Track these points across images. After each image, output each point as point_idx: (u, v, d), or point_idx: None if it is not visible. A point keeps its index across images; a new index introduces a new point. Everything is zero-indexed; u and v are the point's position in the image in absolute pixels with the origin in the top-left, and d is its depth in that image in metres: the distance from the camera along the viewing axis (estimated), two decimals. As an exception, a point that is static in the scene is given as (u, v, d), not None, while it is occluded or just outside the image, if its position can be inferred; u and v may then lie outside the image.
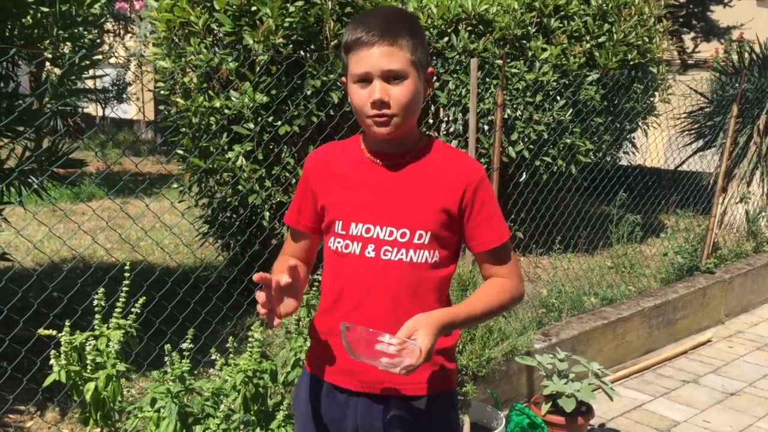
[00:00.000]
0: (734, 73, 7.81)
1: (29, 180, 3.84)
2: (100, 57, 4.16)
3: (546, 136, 5.53)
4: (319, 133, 4.25)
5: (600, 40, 5.97)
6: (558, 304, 4.52)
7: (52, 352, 2.28)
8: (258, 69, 4.11)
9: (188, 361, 2.37)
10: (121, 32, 13.82)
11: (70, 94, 3.89)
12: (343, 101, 4.27)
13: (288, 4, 4.12)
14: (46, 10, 3.63)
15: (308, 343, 2.65)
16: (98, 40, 4.60)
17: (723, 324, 5.48)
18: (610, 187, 5.65)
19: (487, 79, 5.45)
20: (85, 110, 14.75)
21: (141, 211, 5.90)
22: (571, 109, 5.62)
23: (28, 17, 3.68)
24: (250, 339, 2.52)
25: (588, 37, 5.95)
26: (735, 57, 8.09)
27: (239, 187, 4.20)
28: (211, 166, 4.28)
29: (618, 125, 6.33)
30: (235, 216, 4.50)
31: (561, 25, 5.89)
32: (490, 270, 1.69)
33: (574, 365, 3.56)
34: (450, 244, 1.66)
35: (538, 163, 5.61)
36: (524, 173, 5.50)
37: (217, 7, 4.15)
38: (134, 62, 13.86)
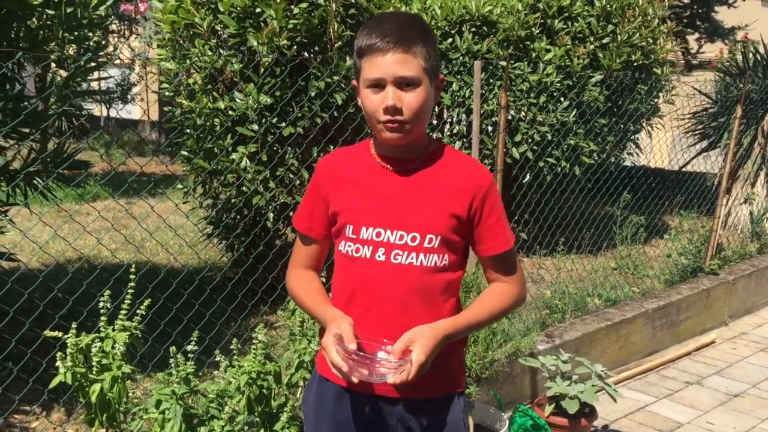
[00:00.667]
0: (738, 74, 7.80)
1: (35, 181, 3.86)
2: (105, 60, 4.17)
3: (550, 138, 5.53)
4: (323, 134, 4.26)
5: (604, 41, 5.97)
6: (561, 306, 4.53)
7: (58, 353, 2.29)
8: (262, 70, 4.12)
9: (193, 363, 2.38)
10: (126, 33, 13.85)
11: (75, 96, 3.91)
12: (347, 103, 4.28)
13: (292, 6, 4.13)
14: (51, 12, 3.65)
15: (312, 345, 2.67)
16: (103, 42, 4.62)
17: (727, 325, 5.47)
18: (614, 189, 5.65)
19: (491, 81, 5.46)
20: (90, 111, 14.78)
21: (146, 212, 5.92)
22: (574, 111, 5.62)
23: (34, 19, 3.70)
24: (254, 340, 2.53)
25: (592, 38, 5.95)
26: (739, 58, 8.08)
27: (243, 188, 4.21)
28: (215, 167, 4.29)
29: (622, 126, 6.33)
30: (239, 217, 4.51)
31: (565, 26, 5.89)
32: (494, 275, 1.72)
33: (578, 367, 3.57)
34: (459, 248, 1.68)
35: (541, 164, 5.62)
36: (528, 174, 5.50)
37: (221, 9, 4.16)
38: (139, 63, 13.90)
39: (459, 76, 5.51)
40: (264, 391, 2.48)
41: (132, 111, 15.92)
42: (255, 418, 2.49)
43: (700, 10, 12.82)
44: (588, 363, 3.58)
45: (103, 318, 2.45)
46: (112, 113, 15.04)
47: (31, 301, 3.07)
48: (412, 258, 1.63)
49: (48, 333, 2.38)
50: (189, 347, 2.44)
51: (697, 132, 8.24)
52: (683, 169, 7.83)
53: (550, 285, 4.98)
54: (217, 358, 2.56)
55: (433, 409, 1.70)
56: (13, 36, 3.66)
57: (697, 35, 13.14)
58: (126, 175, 9.17)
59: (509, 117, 5.47)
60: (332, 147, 4.33)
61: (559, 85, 5.59)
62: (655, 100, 6.66)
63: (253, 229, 4.46)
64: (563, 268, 5.23)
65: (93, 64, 4.08)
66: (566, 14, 5.92)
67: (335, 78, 4.19)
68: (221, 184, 4.47)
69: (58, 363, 2.29)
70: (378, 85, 1.57)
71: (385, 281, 1.64)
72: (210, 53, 4.22)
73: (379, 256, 1.64)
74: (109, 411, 2.35)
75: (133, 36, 13.87)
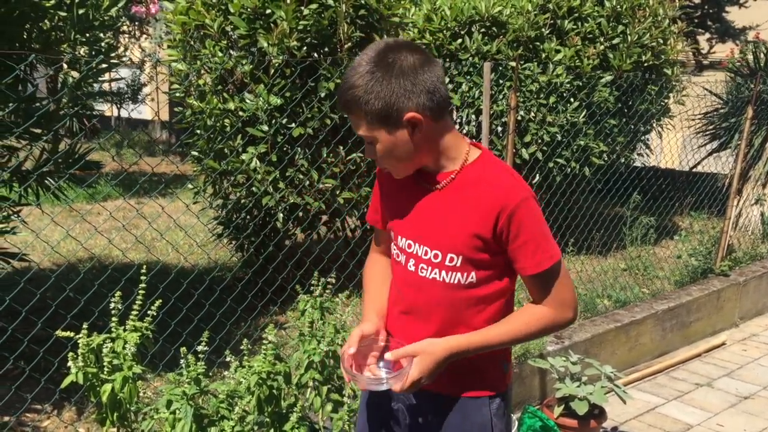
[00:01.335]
0: (750, 74, 7.74)
1: (47, 182, 3.88)
2: (117, 61, 4.20)
3: (559, 138, 5.52)
4: (333, 135, 4.27)
5: (614, 41, 5.95)
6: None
7: (70, 354, 2.31)
8: (272, 72, 4.14)
9: (203, 363, 2.40)
10: (137, 34, 13.89)
11: (86, 97, 3.93)
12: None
13: (302, 7, 4.15)
14: (63, 14, 3.68)
15: (321, 346, 2.68)
16: (114, 43, 4.66)
17: (737, 327, 5.44)
18: (623, 189, 5.63)
19: (501, 81, 5.46)
20: (101, 112, 14.84)
21: (156, 212, 5.95)
22: (584, 111, 5.61)
23: (46, 21, 3.72)
24: (263, 341, 2.55)
25: (602, 39, 5.93)
26: (750, 58, 8.02)
27: (253, 188, 4.23)
28: (225, 167, 4.31)
29: (632, 127, 6.31)
30: (249, 217, 4.53)
31: (575, 26, 5.88)
32: (531, 293, 1.70)
33: (587, 368, 3.56)
34: (491, 264, 1.65)
35: (551, 164, 5.61)
36: (537, 175, 5.49)
37: (231, 10, 4.18)
38: (149, 64, 13.95)
39: (468, 77, 5.50)
40: (274, 391, 2.49)
41: (142, 110, 15.97)
42: (265, 419, 2.51)
43: (710, 10, 12.76)
44: (597, 364, 3.57)
45: (114, 318, 2.47)
46: (123, 113, 15.10)
47: (43, 301, 3.09)
48: (435, 273, 1.66)
49: (60, 333, 2.41)
50: (199, 347, 2.45)
51: (708, 132, 8.19)
52: (694, 170, 7.79)
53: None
54: (228, 359, 2.57)
55: (447, 406, 1.72)
56: (25, 38, 3.69)
57: (707, 35, 13.07)
58: (137, 176, 9.21)
59: (519, 118, 5.46)
60: (341, 148, 4.34)
61: (568, 85, 5.58)
62: (666, 100, 6.63)
63: (262, 230, 4.48)
64: (573, 269, 5.22)
65: (104, 65, 4.11)
66: (576, 15, 5.90)
67: (345, 79, 4.19)
68: (231, 185, 4.49)
69: (70, 363, 2.31)
70: None
71: (413, 290, 1.71)
72: (220, 54, 4.24)
73: (410, 266, 1.70)
74: (120, 411, 2.36)
75: (144, 37, 13.92)
